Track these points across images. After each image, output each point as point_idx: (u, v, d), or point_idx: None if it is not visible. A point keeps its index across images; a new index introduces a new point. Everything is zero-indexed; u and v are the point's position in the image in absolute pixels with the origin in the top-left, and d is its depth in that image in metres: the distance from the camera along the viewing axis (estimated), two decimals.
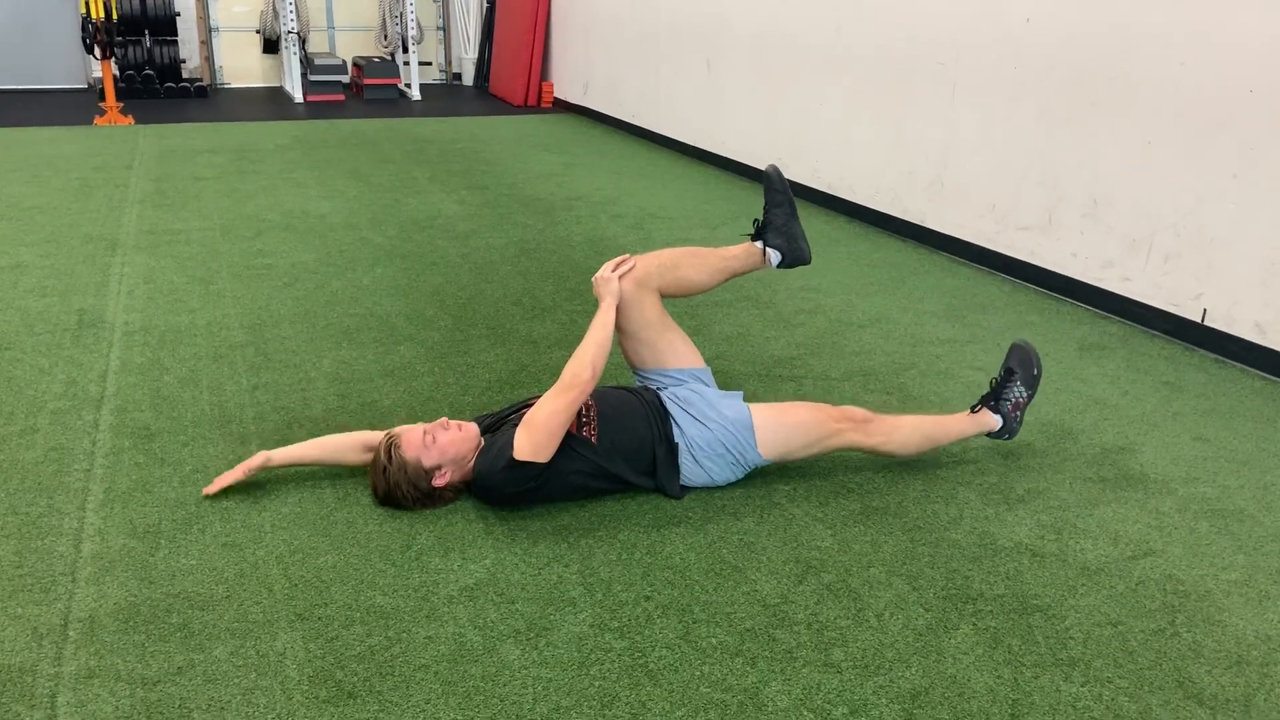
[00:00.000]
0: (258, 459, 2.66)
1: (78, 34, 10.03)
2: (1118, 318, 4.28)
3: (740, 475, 2.77)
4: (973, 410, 2.95)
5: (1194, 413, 3.39)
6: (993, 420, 2.94)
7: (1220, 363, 3.83)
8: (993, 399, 2.96)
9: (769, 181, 2.90)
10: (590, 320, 2.73)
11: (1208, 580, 2.43)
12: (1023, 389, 2.95)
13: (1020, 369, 2.96)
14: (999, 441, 3.07)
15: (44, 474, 2.74)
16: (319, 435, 2.98)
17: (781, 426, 2.73)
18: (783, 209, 2.87)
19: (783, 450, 2.75)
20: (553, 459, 2.53)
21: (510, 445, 2.51)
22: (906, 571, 2.42)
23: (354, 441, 2.75)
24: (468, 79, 12.24)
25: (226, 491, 2.66)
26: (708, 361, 2.94)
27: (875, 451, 2.86)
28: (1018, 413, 2.96)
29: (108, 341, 3.69)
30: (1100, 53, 4.25)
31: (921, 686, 2.03)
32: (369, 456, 2.70)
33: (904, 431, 2.86)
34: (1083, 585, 2.39)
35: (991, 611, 2.28)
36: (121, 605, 2.20)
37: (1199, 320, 3.94)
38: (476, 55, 12.00)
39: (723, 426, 2.69)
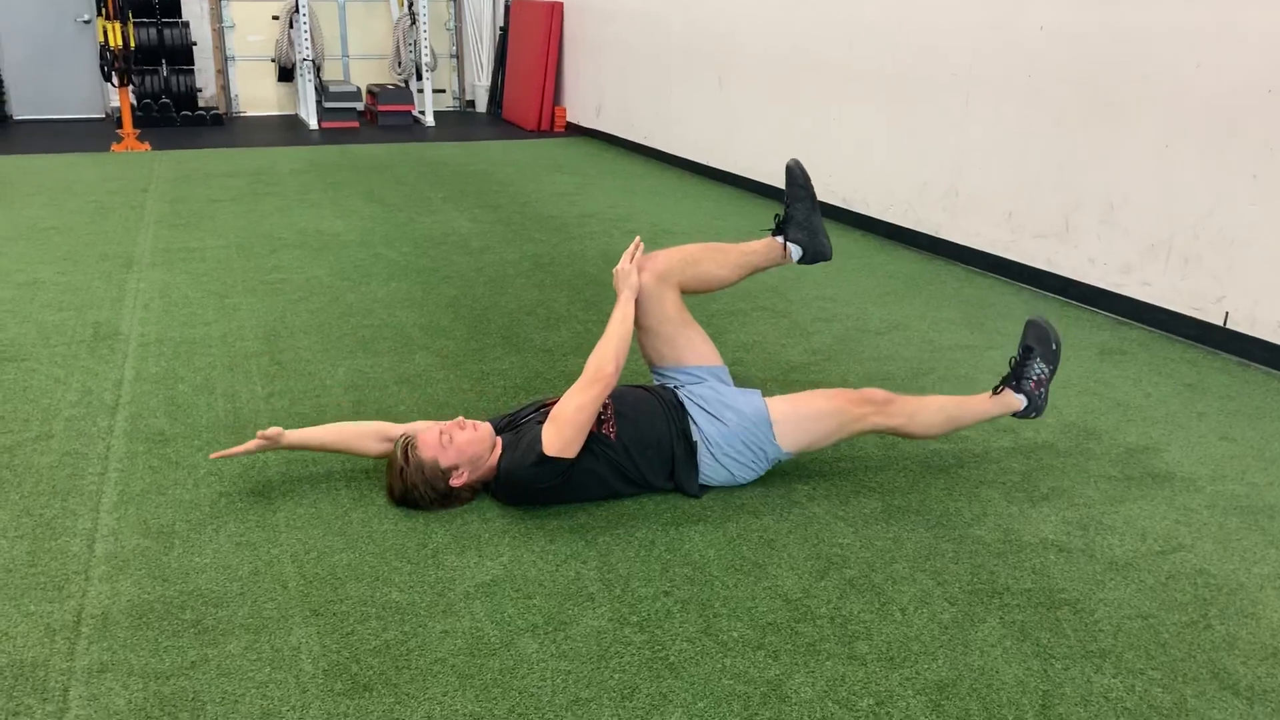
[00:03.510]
0: (271, 432, 2.62)
1: (96, 65, 10.14)
2: (1138, 323, 4.24)
3: (762, 470, 2.72)
4: (994, 392, 2.86)
5: (1219, 413, 3.34)
6: (1016, 400, 2.84)
7: (1243, 365, 3.78)
8: (1014, 379, 2.86)
9: (790, 176, 2.88)
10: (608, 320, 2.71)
11: (1240, 574, 2.38)
12: (1043, 365, 2.85)
13: (1038, 345, 2.86)
14: (1022, 439, 3.03)
15: (58, 478, 2.73)
16: None
17: (801, 418, 2.68)
18: (804, 204, 2.85)
19: (804, 441, 2.70)
20: (577, 456, 2.50)
21: (539, 441, 2.48)
22: (930, 567, 2.38)
23: (370, 430, 2.72)
24: (481, 105, 12.32)
25: (240, 492, 2.65)
26: None
27: (898, 433, 2.78)
28: (1041, 389, 2.86)
29: (123, 353, 3.69)
30: (1115, 57, 4.23)
31: (949, 678, 1.98)
32: (385, 447, 2.67)
33: (927, 413, 2.77)
34: (1111, 579, 2.34)
35: (1019, 605, 2.23)
36: (135, 602, 2.17)
37: (1221, 323, 3.90)
38: (490, 82, 12.07)
39: (740, 423, 2.65)
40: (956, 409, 2.83)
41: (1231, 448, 3.08)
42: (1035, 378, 2.85)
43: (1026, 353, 2.88)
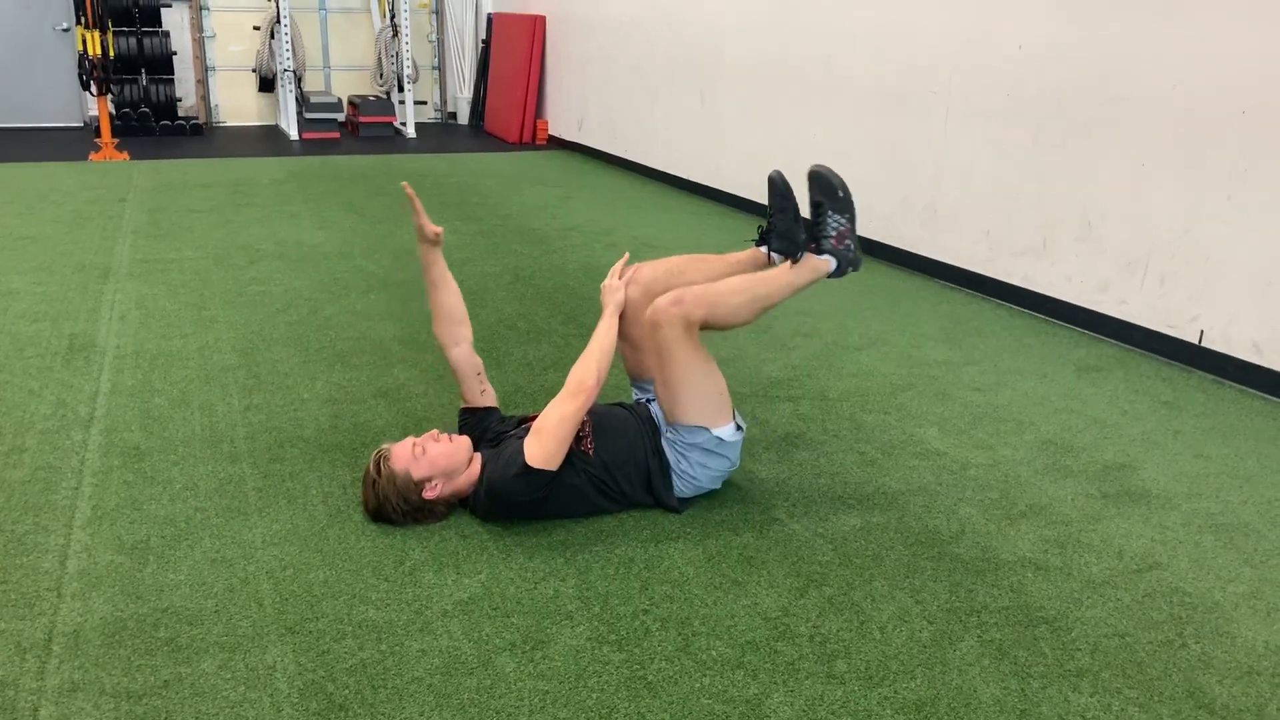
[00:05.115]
0: (440, 235, 2.83)
1: (74, 73, 10.07)
2: (1114, 340, 4.27)
3: (725, 466, 2.69)
4: (794, 261, 2.70)
5: (1194, 431, 3.36)
6: (822, 262, 2.67)
7: (1218, 383, 3.82)
8: (812, 241, 2.69)
9: (773, 187, 2.89)
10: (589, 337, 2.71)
11: (1215, 593, 2.39)
12: (838, 216, 2.67)
13: (825, 198, 2.68)
14: (1000, 456, 3.04)
15: (30, 492, 2.70)
16: (311, 455, 2.97)
17: (673, 389, 2.61)
18: (786, 214, 2.85)
19: (699, 400, 2.61)
20: (558, 471, 2.50)
21: (521, 453, 2.47)
22: (909, 585, 2.38)
23: (464, 328, 2.92)
24: (463, 118, 12.31)
25: (216, 508, 2.63)
26: None
27: (713, 326, 2.64)
28: (846, 242, 2.68)
29: (98, 365, 3.65)
30: (1093, 76, 4.28)
31: (927, 697, 1.98)
32: (459, 350, 2.85)
33: (727, 300, 2.62)
34: (1088, 598, 2.35)
35: (996, 623, 2.24)
36: (107, 620, 2.14)
37: (1196, 342, 3.93)
38: (471, 94, 12.07)
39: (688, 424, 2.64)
40: (758, 286, 2.67)
41: (1207, 465, 3.10)
42: (835, 233, 2.67)
43: (816, 209, 2.68)
